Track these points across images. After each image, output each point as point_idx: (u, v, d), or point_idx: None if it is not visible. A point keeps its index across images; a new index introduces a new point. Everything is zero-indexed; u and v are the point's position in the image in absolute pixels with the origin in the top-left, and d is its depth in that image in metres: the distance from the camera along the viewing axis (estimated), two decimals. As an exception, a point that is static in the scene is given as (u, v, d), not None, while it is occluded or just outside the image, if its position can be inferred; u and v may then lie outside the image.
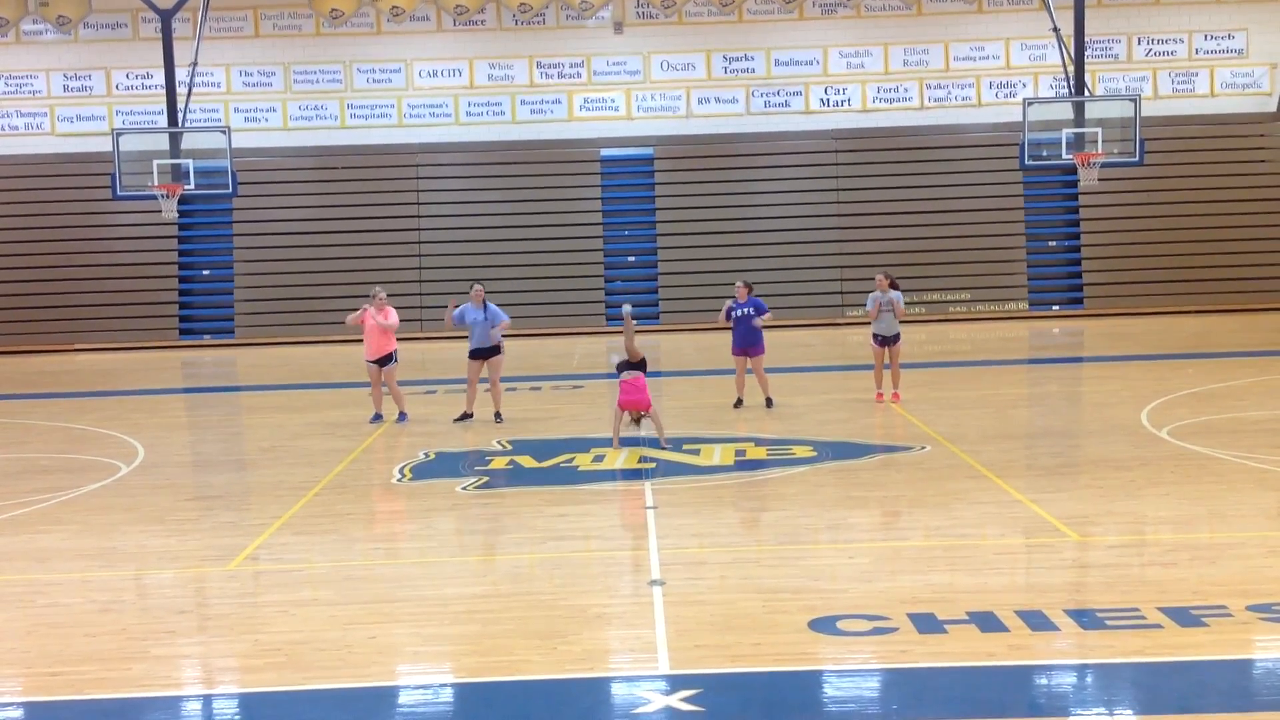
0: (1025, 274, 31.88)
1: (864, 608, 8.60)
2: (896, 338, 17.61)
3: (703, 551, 10.42)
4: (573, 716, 7.04)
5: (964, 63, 32.55)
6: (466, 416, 17.09)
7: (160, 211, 25.95)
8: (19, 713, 7.44)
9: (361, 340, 17.57)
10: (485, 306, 16.97)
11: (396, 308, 31.73)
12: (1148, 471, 12.85)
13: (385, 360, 17.35)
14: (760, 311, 17.31)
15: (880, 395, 17.84)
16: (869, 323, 17.74)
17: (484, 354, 17.04)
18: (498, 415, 17.03)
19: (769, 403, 17.38)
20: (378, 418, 17.45)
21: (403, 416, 17.38)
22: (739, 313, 17.31)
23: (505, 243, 31.80)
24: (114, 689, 7.58)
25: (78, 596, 9.56)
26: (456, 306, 17.07)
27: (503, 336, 17.16)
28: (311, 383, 23.19)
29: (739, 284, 17.66)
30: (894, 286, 17.68)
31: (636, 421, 15.22)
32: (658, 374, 20.57)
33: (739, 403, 17.57)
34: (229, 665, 8.08)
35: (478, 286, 17.32)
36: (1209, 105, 32.57)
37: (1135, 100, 25.42)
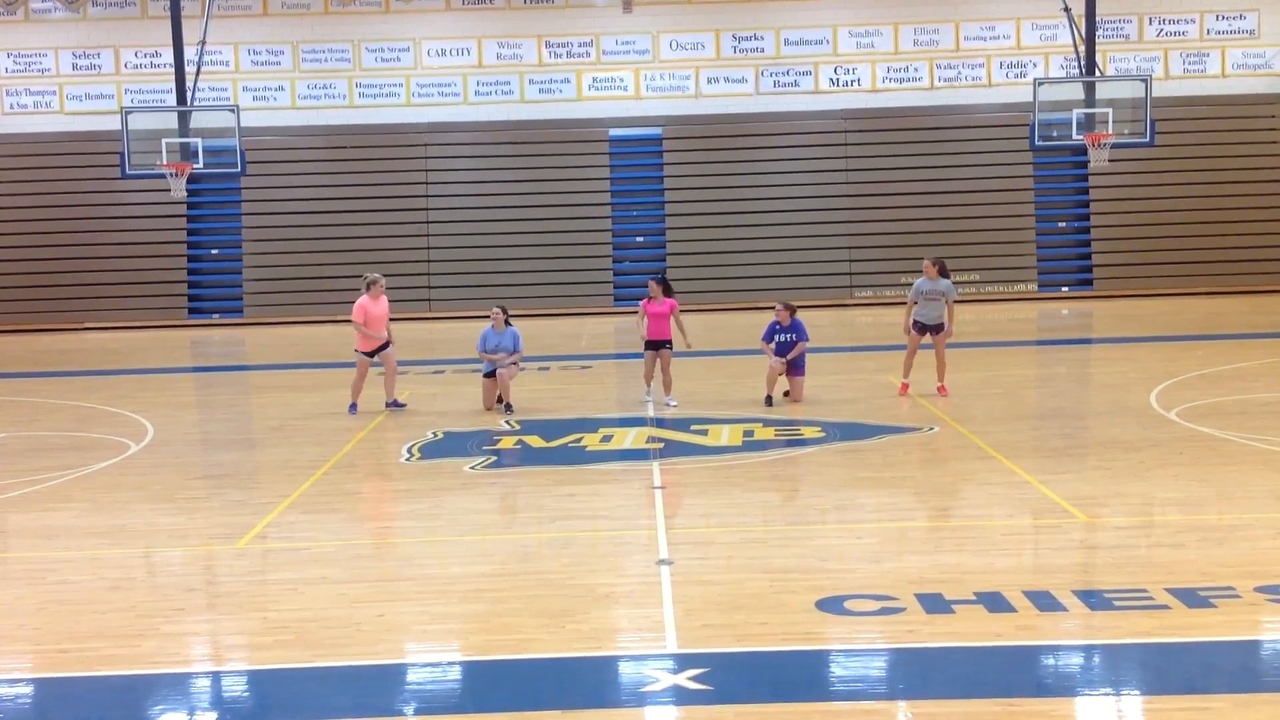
0: (1034, 255, 31.77)
1: (871, 588, 8.61)
2: (940, 327, 16.32)
3: (710, 531, 10.43)
4: (580, 695, 7.06)
5: (974, 42, 32.39)
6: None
7: (169, 190, 25.92)
8: (29, 689, 7.48)
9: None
10: (507, 328, 16.11)
11: (405, 288, 32.00)
12: (1156, 453, 12.83)
13: (384, 346, 16.37)
14: (801, 338, 16.22)
15: (905, 387, 16.54)
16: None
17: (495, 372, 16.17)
18: (508, 405, 16.08)
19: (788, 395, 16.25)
20: (355, 407, 16.35)
21: (400, 404, 16.49)
22: (782, 338, 16.21)
23: (513, 222, 31.75)
24: (123, 666, 7.61)
25: (87, 574, 9.60)
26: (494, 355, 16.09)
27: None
28: (320, 362, 23.20)
29: (779, 306, 16.39)
30: (944, 274, 16.34)
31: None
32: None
33: (769, 400, 16.14)
34: (238, 643, 8.11)
35: (496, 309, 16.30)
36: (1220, 86, 32.38)
37: (1146, 81, 25.31)
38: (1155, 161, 30.78)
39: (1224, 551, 9.32)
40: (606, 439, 14.39)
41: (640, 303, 16.61)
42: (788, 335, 16.26)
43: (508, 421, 15.45)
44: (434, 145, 32.37)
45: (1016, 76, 32.07)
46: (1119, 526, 10.24)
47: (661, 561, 9.37)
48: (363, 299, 16.40)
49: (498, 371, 16.07)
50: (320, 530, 10.80)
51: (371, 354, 16.39)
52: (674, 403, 16.22)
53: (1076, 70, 26.52)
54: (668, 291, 16.36)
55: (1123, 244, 31.49)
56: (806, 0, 32.28)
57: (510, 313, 16.69)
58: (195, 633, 8.27)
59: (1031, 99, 25.69)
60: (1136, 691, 7.06)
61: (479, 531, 10.84)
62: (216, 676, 7.62)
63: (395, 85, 32.50)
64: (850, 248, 31.51)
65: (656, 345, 16.37)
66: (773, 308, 16.81)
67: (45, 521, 11.30)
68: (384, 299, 16.46)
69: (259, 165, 30.18)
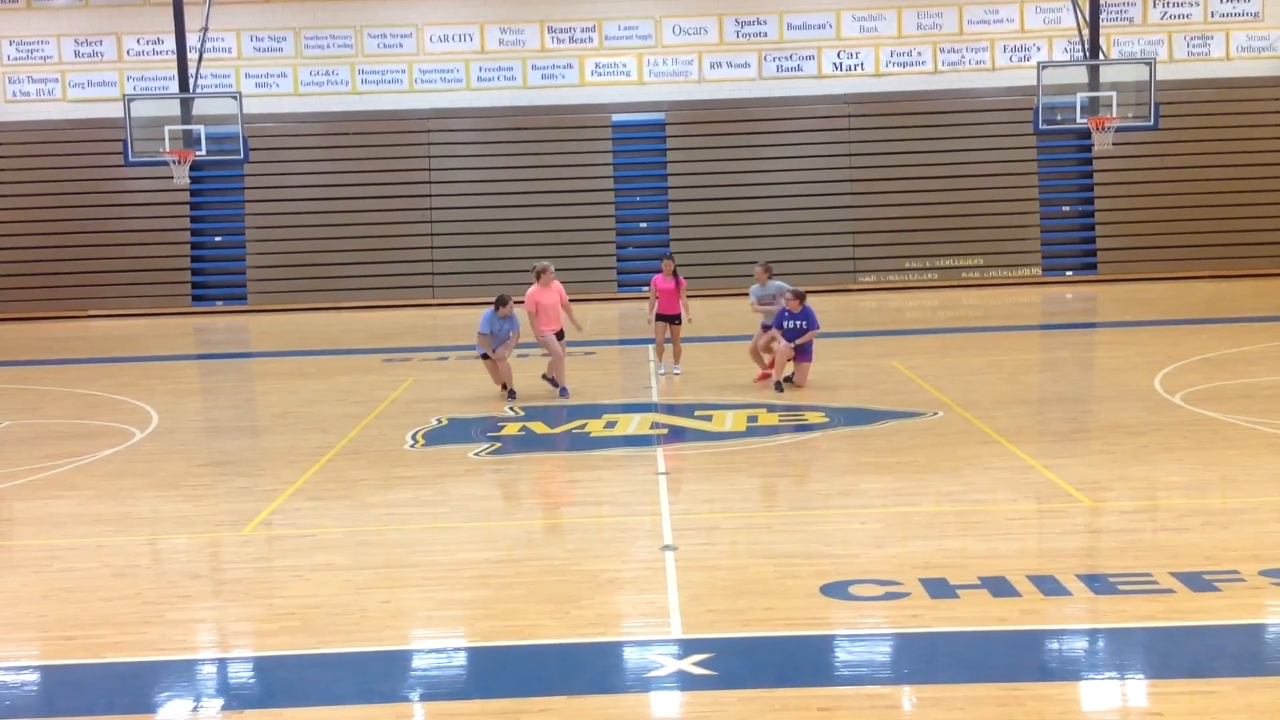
0: (1039, 239, 31.72)
1: (876, 573, 8.62)
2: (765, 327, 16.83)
3: (715, 517, 10.44)
4: (585, 680, 7.07)
5: (978, 26, 32.29)
6: (507, 389, 16.16)
7: (172, 177, 25.95)
8: (35, 676, 7.50)
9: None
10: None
11: (408, 274, 31.99)
12: (1160, 437, 12.83)
13: (559, 334, 16.26)
14: (811, 326, 16.27)
15: (764, 375, 16.70)
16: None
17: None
18: (511, 392, 16.12)
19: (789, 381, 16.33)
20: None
21: (564, 390, 16.20)
22: (791, 324, 16.21)
23: (516, 208, 31.71)
24: (129, 653, 7.63)
25: (93, 561, 9.62)
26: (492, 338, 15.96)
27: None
28: (324, 349, 23.22)
29: (788, 294, 16.44)
30: (772, 276, 17.15)
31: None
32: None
33: (779, 386, 16.08)
34: (243, 629, 8.12)
35: (512, 300, 16.17)
36: (1224, 69, 32.29)
37: (1150, 64, 25.24)
38: (1159, 145, 30.72)
39: (1228, 535, 9.32)
40: (610, 425, 14.40)
41: (652, 279, 17.89)
42: (797, 322, 16.30)
43: (511, 408, 15.47)
44: (437, 131, 32.33)
45: (1020, 60, 31.98)
46: (1123, 510, 10.24)
47: (666, 547, 9.38)
48: (533, 289, 16.15)
49: (498, 358, 16.03)
50: (325, 517, 10.82)
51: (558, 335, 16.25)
52: (679, 370, 17.67)
53: (1080, 53, 26.45)
54: (674, 271, 17.79)
55: (1127, 228, 31.44)
56: (809, -15, 32.20)
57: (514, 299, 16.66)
58: (201, 619, 8.29)
59: (1035, 82, 25.63)
60: (1140, 675, 7.07)
61: (483, 518, 10.85)
62: (222, 663, 7.64)
63: (398, 71, 32.44)
64: (854, 232, 31.47)
65: (667, 319, 17.63)
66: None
67: (50, 509, 11.32)
68: (556, 284, 16.26)
69: (262, 152, 30.19)
